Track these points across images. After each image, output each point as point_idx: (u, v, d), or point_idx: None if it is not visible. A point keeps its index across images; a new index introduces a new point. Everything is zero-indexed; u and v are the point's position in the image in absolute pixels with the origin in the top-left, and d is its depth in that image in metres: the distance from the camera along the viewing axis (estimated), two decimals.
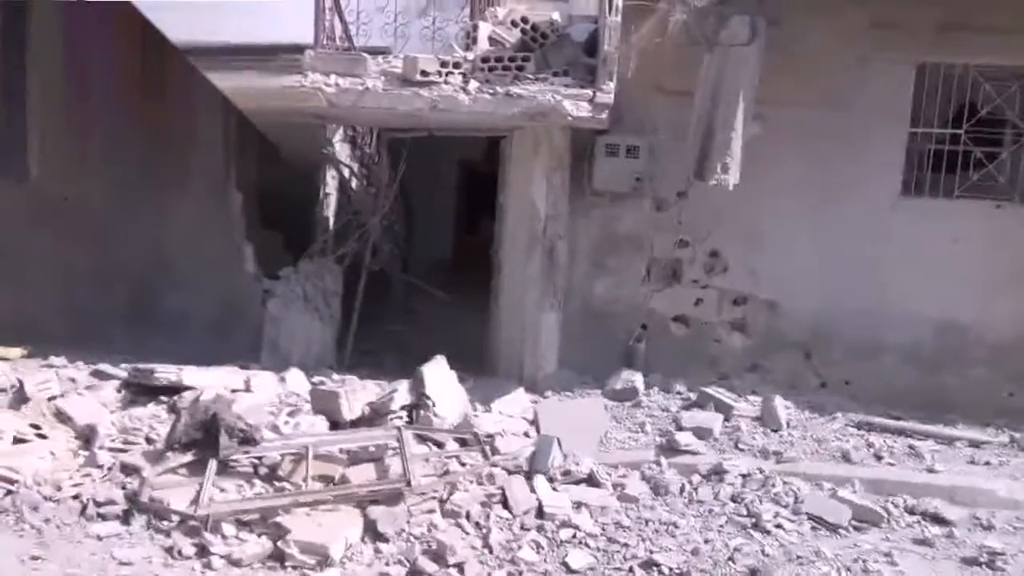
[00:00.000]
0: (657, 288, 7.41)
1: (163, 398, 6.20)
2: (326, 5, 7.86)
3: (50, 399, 6.06)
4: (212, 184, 7.66)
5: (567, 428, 6.08)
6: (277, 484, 5.20)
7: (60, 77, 7.59)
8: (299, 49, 6.71)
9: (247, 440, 5.33)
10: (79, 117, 7.54)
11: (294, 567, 4.38)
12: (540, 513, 5.07)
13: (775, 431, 6.37)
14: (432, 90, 6.60)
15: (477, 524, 4.87)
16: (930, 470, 5.93)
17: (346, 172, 8.82)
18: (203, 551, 4.47)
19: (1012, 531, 5.39)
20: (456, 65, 6.73)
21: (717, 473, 5.73)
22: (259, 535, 4.66)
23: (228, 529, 4.66)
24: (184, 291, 7.75)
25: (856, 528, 5.31)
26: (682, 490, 5.61)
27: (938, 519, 5.45)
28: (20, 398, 6.04)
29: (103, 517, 4.79)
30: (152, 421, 5.90)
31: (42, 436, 5.64)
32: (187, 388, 6.20)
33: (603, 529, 4.97)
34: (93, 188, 7.67)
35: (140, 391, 6.35)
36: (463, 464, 5.49)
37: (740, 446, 6.11)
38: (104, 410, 6.03)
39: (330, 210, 8.84)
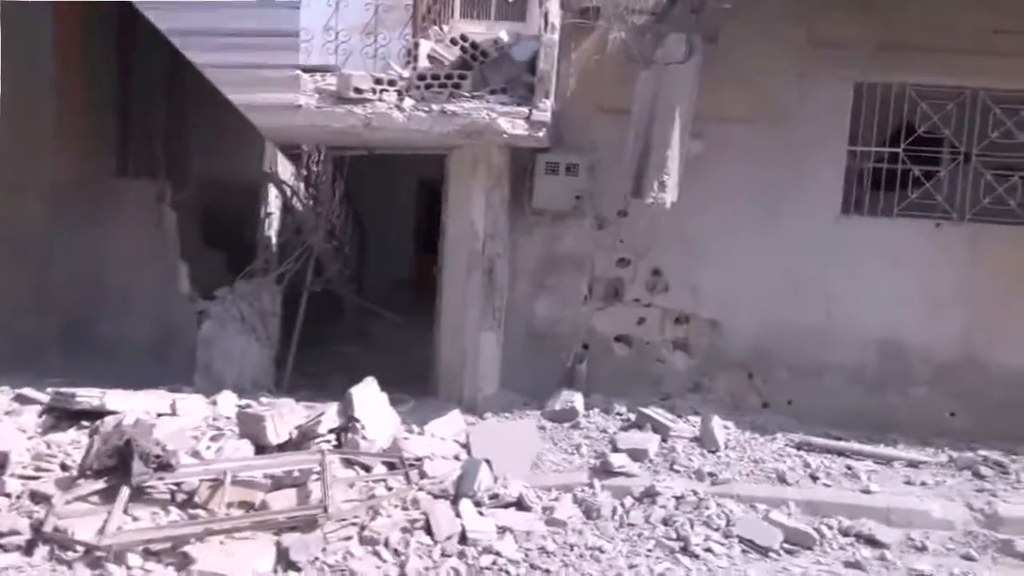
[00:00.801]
0: (599, 307, 7.33)
1: (85, 423, 6.00)
2: None
3: None
4: (147, 204, 7.49)
5: (500, 451, 5.96)
6: (192, 511, 5.03)
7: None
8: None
9: (163, 466, 5.16)
10: (14, 141, 7.36)
11: None
12: (463, 539, 4.94)
13: (713, 452, 6.28)
14: (366, 107, 6.52)
15: (396, 551, 4.74)
16: (865, 491, 5.85)
17: (288, 191, 8.68)
18: None
19: (945, 552, 5.33)
20: (391, 83, 6.66)
21: (650, 496, 5.62)
22: (166, 565, 4.48)
23: (134, 560, 4.51)
24: (120, 313, 7.63)
25: (788, 551, 5.21)
26: (614, 513, 5.50)
27: (872, 541, 5.36)
28: None
29: (4, 548, 4.61)
30: (70, 447, 5.70)
31: None
32: (110, 413, 6.01)
33: (526, 555, 4.85)
34: (28, 211, 7.48)
35: (63, 416, 6.15)
36: (389, 489, 5.35)
37: (676, 468, 6.01)
38: (20, 436, 5.83)
39: (272, 229, 8.71)
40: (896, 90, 7.03)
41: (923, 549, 5.34)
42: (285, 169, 8.62)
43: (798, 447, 6.54)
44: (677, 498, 5.63)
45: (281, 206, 8.82)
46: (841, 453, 6.48)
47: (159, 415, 6.11)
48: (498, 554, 4.77)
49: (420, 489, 5.39)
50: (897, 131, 7.17)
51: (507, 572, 4.66)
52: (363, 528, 4.90)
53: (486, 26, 8.78)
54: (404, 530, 4.94)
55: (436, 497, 5.33)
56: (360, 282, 12.13)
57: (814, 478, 6.02)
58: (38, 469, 5.42)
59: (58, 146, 7.41)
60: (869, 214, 7.16)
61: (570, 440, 6.42)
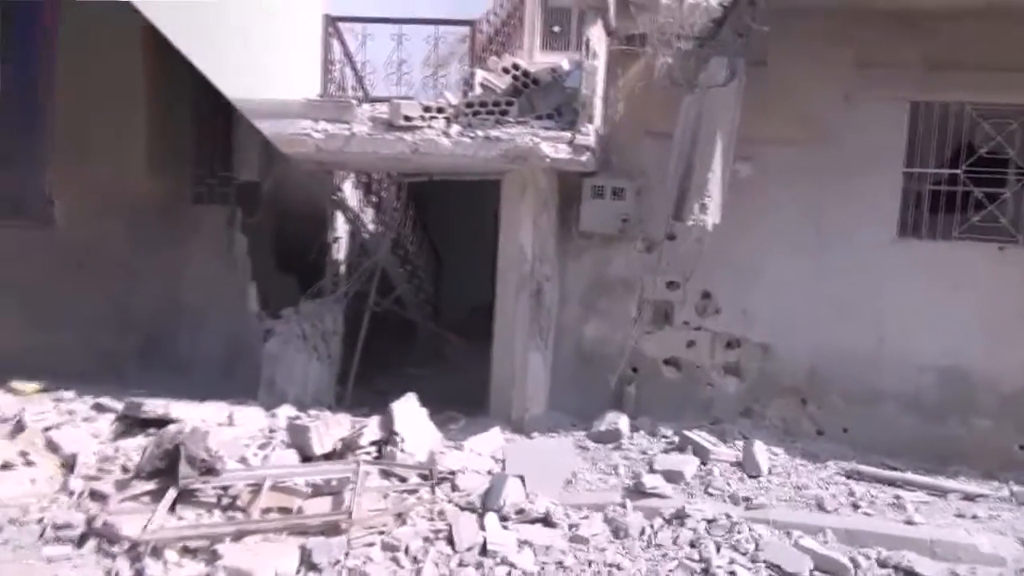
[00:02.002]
0: (648, 330, 7.36)
1: (151, 431, 6.42)
2: (335, 58, 8.24)
3: (45, 429, 6.37)
4: (219, 228, 7.98)
5: (534, 468, 6.04)
6: (233, 514, 5.32)
7: (83, 133, 8.09)
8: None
9: (209, 470, 5.49)
10: (99, 169, 8.01)
11: None
12: (484, 551, 5.04)
13: (754, 477, 6.18)
14: (415, 134, 6.79)
15: (415, 558, 4.88)
16: (909, 522, 5.64)
17: (353, 216, 9.06)
18: (139, 575, 4.60)
19: None
20: (440, 110, 6.92)
21: (679, 518, 5.58)
22: (199, 562, 4.76)
23: (171, 555, 4.79)
24: (194, 331, 8.10)
25: None
26: (642, 533, 5.48)
27: (911, 573, 5.17)
28: (18, 428, 6.37)
29: (59, 540, 4.99)
30: (133, 452, 6.11)
31: (30, 463, 5.92)
32: (174, 421, 6.41)
33: (542, 568, 4.90)
34: (111, 234, 8.09)
35: (133, 424, 6.59)
36: (419, 499, 5.51)
37: (711, 491, 5.94)
38: (92, 440, 6.30)
39: (341, 254, 9.09)
40: (954, 109, 6.84)
41: None
42: (354, 196, 8.98)
43: (848, 475, 6.37)
44: (708, 521, 5.56)
45: (349, 231, 9.19)
46: (893, 483, 6.27)
47: (218, 425, 6.48)
48: (513, 566, 4.85)
49: (449, 501, 5.53)
50: (956, 152, 6.96)
51: None
52: (387, 535, 5.06)
53: (554, 56, 8.98)
54: (426, 539, 5.08)
55: (463, 509, 5.46)
56: (436, 307, 12.42)
57: (856, 507, 5.85)
58: (100, 470, 5.84)
59: (143, 174, 7.99)
60: (927, 237, 6.95)
61: (609, 461, 6.44)
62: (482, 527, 5.27)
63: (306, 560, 4.77)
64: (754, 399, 7.23)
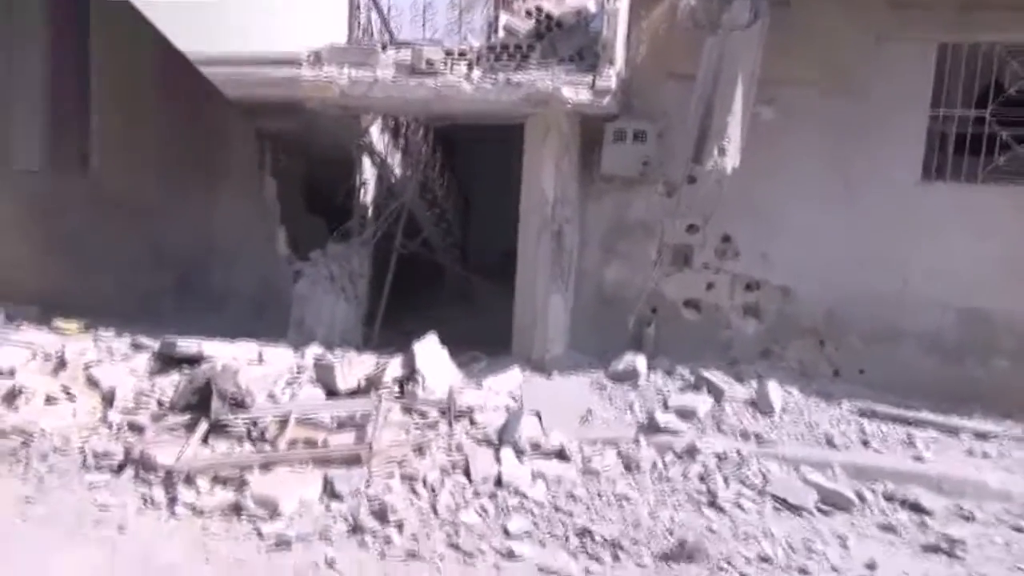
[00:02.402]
0: (668, 273, 7.43)
1: (185, 368, 6.71)
2: (361, 3, 8.30)
3: (86, 366, 6.69)
4: (249, 173, 8.17)
5: (550, 405, 6.23)
6: (261, 446, 5.59)
7: (116, 78, 8.28)
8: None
9: (239, 405, 5.76)
10: (132, 114, 8.21)
11: (248, 518, 4.74)
12: (499, 482, 5.25)
13: (767, 415, 6.31)
14: (437, 79, 6.87)
15: (432, 488, 5.11)
16: (917, 458, 5.75)
17: (379, 160, 9.18)
18: (173, 500, 4.89)
19: (995, 523, 5.20)
20: (462, 54, 6.97)
21: (690, 452, 5.75)
22: (227, 489, 5.04)
23: (203, 483, 5.07)
24: (227, 271, 8.35)
25: (823, 511, 5.25)
26: (653, 467, 5.67)
27: (916, 507, 5.31)
28: (60, 364, 6.70)
29: (99, 468, 5.31)
30: (169, 388, 6.41)
31: (71, 397, 6.25)
32: (206, 359, 6.69)
33: (553, 499, 5.11)
34: (146, 178, 8.34)
35: (168, 361, 6.88)
36: (438, 434, 5.73)
37: (723, 428, 6.10)
38: (131, 377, 6.60)
39: (368, 197, 9.25)
40: (984, 50, 6.72)
41: (970, 519, 5.23)
42: (381, 140, 9.09)
43: (861, 414, 6.47)
44: (719, 456, 5.73)
45: (376, 175, 9.32)
46: (906, 422, 6.36)
47: (249, 362, 6.74)
48: (525, 496, 5.06)
49: (467, 436, 5.75)
50: (985, 93, 6.85)
51: (532, 512, 4.94)
52: (406, 467, 5.29)
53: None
54: (444, 471, 5.30)
55: (480, 443, 5.67)
56: (465, 251, 12.59)
57: (866, 444, 5.98)
58: (137, 404, 6.15)
59: (169, 119, 8.19)
60: (952, 179, 6.88)
61: (625, 399, 6.60)
62: (498, 460, 5.48)
63: (329, 489, 5.02)
64: (773, 340, 7.29)
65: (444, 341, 7.95)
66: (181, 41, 7.00)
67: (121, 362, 6.89)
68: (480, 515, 4.88)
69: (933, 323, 6.97)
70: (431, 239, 10.66)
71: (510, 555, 4.47)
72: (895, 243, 6.98)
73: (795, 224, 7.14)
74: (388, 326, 8.91)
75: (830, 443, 5.94)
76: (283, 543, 4.46)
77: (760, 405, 6.40)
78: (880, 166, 6.95)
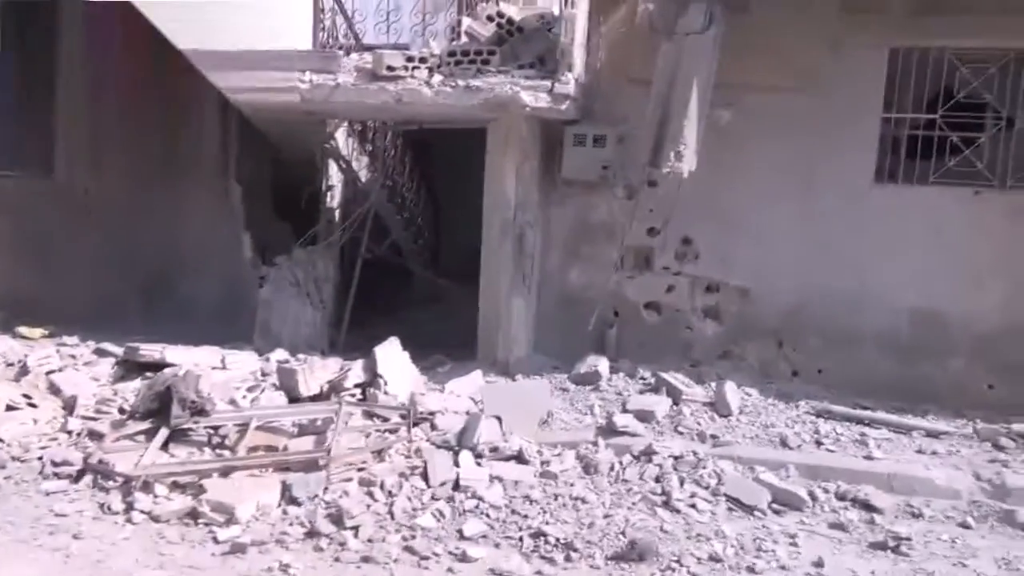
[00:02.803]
0: (630, 275, 7.53)
1: (148, 374, 6.71)
2: (326, 6, 8.32)
3: (48, 373, 6.68)
4: (215, 178, 8.19)
5: (511, 408, 6.27)
6: (222, 453, 5.62)
7: (82, 82, 8.27)
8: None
9: (199, 411, 5.77)
10: (97, 117, 8.20)
11: (205, 524, 4.77)
12: (456, 486, 5.30)
13: (724, 416, 6.41)
14: (398, 84, 6.91)
15: (389, 492, 5.15)
16: (868, 457, 5.87)
17: (344, 164, 9.22)
18: (130, 507, 4.91)
19: (942, 520, 5.31)
20: (423, 60, 7.02)
21: (647, 454, 5.82)
22: (186, 496, 5.06)
23: (160, 490, 5.09)
24: (193, 277, 8.38)
25: (775, 511, 5.33)
26: (611, 469, 5.73)
27: (867, 506, 5.39)
28: (22, 371, 6.69)
29: (57, 476, 5.31)
30: (131, 394, 6.41)
31: (32, 405, 6.25)
32: (170, 365, 6.70)
33: (510, 501, 5.16)
34: (111, 182, 8.34)
35: (131, 368, 6.89)
36: (397, 438, 5.78)
37: (680, 429, 6.19)
38: (92, 383, 6.61)
39: (335, 201, 9.28)
40: (934, 55, 6.85)
41: (919, 516, 5.33)
42: (347, 145, 9.13)
43: (817, 414, 6.59)
44: (675, 458, 5.80)
45: (344, 179, 9.36)
46: (860, 422, 6.49)
47: (212, 368, 6.76)
48: (481, 499, 5.11)
49: (427, 440, 5.80)
50: (935, 97, 6.99)
51: (487, 515, 4.98)
52: (362, 471, 5.34)
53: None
54: (402, 475, 5.34)
55: (439, 447, 5.72)
56: (436, 253, 12.63)
57: (819, 443, 6.08)
58: (99, 411, 6.15)
59: (134, 127, 8.19)
60: (904, 182, 7.03)
61: (586, 401, 6.68)
62: (456, 464, 5.52)
63: (287, 494, 5.06)
64: (732, 341, 7.41)
65: (412, 344, 7.98)
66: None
67: (84, 369, 6.90)
68: (436, 518, 4.93)
69: (889, 323, 7.11)
70: (400, 243, 10.70)
71: (464, 557, 4.52)
72: (851, 244, 7.11)
73: (755, 226, 7.25)
74: (357, 330, 8.95)
75: (784, 444, 6.04)
76: (238, 548, 4.49)
77: (718, 406, 6.49)
78: (837, 168, 7.08)
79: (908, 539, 4.89)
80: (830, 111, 7.02)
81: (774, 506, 5.37)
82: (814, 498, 5.45)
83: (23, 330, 7.82)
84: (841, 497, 5.51)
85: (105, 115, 8.23)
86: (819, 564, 4.66)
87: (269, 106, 7.36)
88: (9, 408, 6.16)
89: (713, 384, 6.84)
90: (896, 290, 7.07)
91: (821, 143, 7.07)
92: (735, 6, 6.88)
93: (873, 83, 6.96)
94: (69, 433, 5.87)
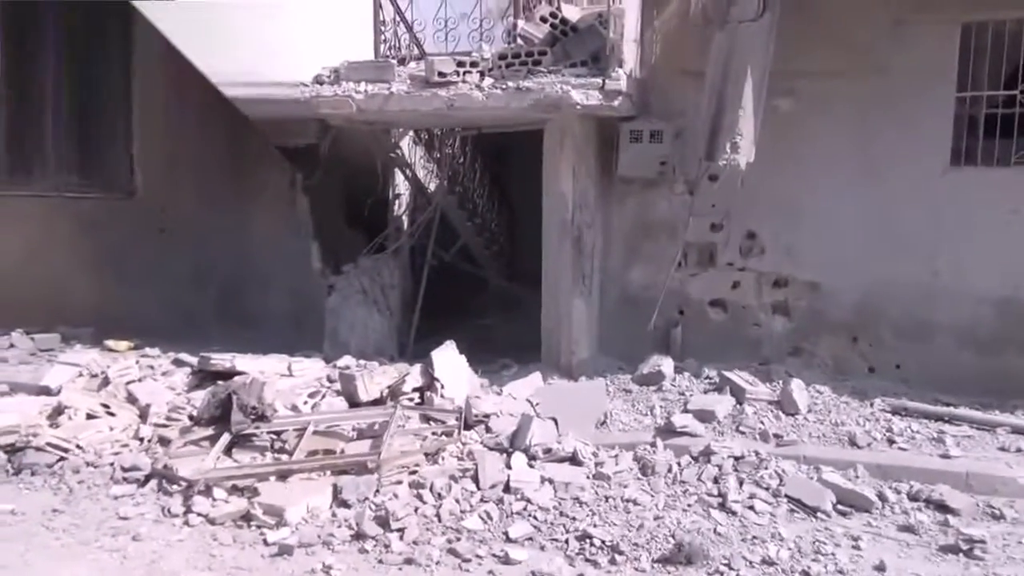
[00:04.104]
0: (693, 272, 7.35)
1: (220, 382, 6.94)
2: (387, 18, 8.47)
3: (128, 383, 6.99)
4: (284, 191, 8.42)
5: (569, 410, 6.23)
6: (282, 456, 5.75)
7: (157, 107, 8.65)
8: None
9: (259, 417, 5.93)
10: (172, 139, 8.55)
11: (257, 526, 4.88)
12: (507, 488, 5.27)
13: (791, 415, 6.18)
14: (449, 89, 6.95)
15: (438, 495, 5.16)
16: (944, 456, 5.55)
17: (419, 173, 9.33)
18: (189, 511, 5.07)
19: None
20: (473, 64, 7.04)
21: (706, 455, 5.67)
22: (243, 499, 5.20)
23: (219, 493, 5.24)
24: (265, 288, 8.62)
25: (841, 513, 5.11)
26: (669, 470, 5.61)
27: (942, 507, 5.11)
28: (104, 382, 7.01)
29: (126, 481, 5.54)
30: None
31: (111, 414, 6.54)
32: (240, 373, 6.91)
33: (559, 503, 5.10)
34: (186, 199, 8.68)
35: (205, 377, 7.14)
36: (450, 440, 5.80)
37: (741, 429, 6.00)
38: (167, 392, 6.87)
39: (402, 209, 9.41)
40: (1011, 28, 6.45)
41: (999, 517, 5.02)
42: (414, 153, 9.25)
43: (893, 412, 6.28)
44: (735, 458, 5.63)
45: (411, 187, 9.47)
46: (939, 418, 6.15)
47: (279, 375, 6.94)
48: (530, 501, 5.07)
49: (480, 442, 5.80)
50: (1014, 72, 6.58)
51: (535, 517, 4.94)
52: (416, 475, 5.37)
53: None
54: (452, 477, 5.35)
55: (491, 449, 5.70)
56: (511, 258, 12.64)
57: (891, 442, 5.80)
58: (169, 419, 6.39)
59: (205, 147, 8.51)
60: (983, 164, 6.63)
61: (648, 402, 6.55)
62: (508, 466, 5.50)
63: (337, 497, 5.13)
64: (803, 337, 7.13)
65: (484, 349, 8.06)
66: (208, 65, 7.29)
67: (162, 379, 7.18)
68: (484, 520, 4.91)
69: (970, 314, 6.72)
70: (472, 248, 10.75)
71: (506, 560, 4.49)
72: (926, 232, 6.76)
73: (822, 217, 6.98)
74: (431, 335, 9.03)
75: (853, 442, 5.78)
76: (285, 550, 4.57)
77: (784, 405, 6.26)
78: (907, 153, 6.74)
79: (983, 542, 4.60)
80: (898, 93, 6.69)
81: (839, 507, 5.15)
82: (883, 499, 5.20)
83: (111, 343, 8.20)
84: (913, 498, 5.25)
85: (179, 136, 8.57)
86: (881, 568, 4.44)
87: (327, 119, 7.51)
88: (89, 417, 6.46)
89: (780, 382, 6.60)
90: (977, 278, 6.66)
91: (889, 127, 6.75)
92: None
93: (944, 61, 6.59)
94: (141, 440, 6.12)
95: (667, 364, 6.95)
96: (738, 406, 6.29)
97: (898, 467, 5.50)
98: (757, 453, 5.67)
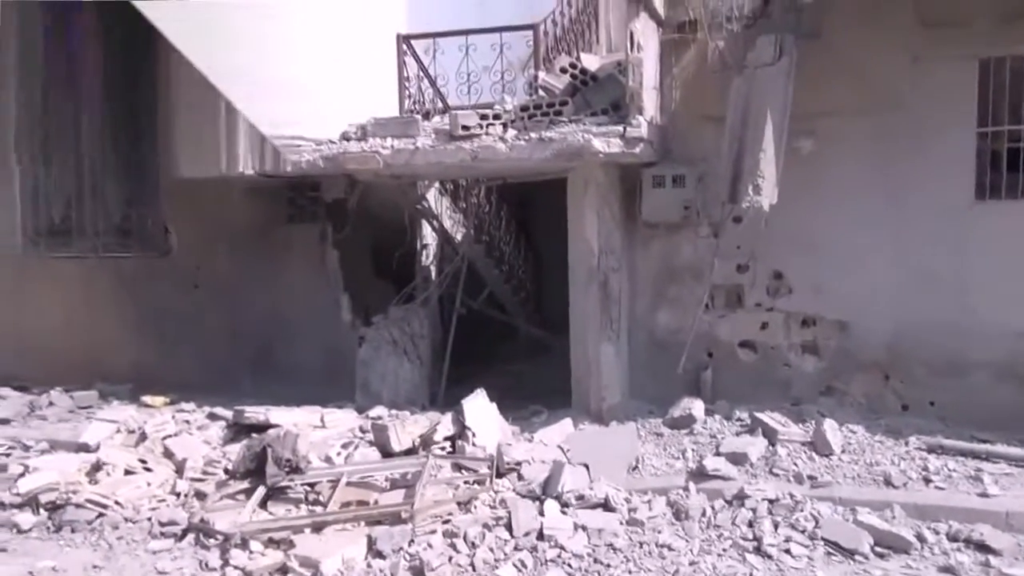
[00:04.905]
0: (721, 314, 7.36)
1: (255, 435, 7.03)
2: (410, 74, 8.68)
3: (164, 438, 7.10)
4: (314, 246, 8.59)
5: (600, 455, 6.23)
6: (316, 508, 5.79)
7: None
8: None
9: (294, 469, 6.00)
10: (206, 200, 8.76)
11: None
12: (541, 535, 5.27)
13: (824, 455, 6.13)
14: (474, 142, 7.09)
15: (472, 543, 5.17)
16: (983, 494, 5.47)
17: (446, 223, 9.46)
18: (226, 564, 5.12)
19: None
20: (496, 116, 7.18)
21: (739, 498, 5.64)
22: (280, 552, 5.24)
23: (256, 546, 5.29)
24: (296, 341, 8.75)
25: (879, 555, 5.04)
26: (703, 515, 5.58)
27: (982, 547, 5.04)
28: (141, 437, 7.13)
29: (164, 535, 5.61)
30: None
31: (148, 469, 6.64)
32: (273, 426, 6.99)
33: (593, 550, 5.09)
34: (220, 258, 8.88)
35: (240, 430, 7.24)
36: (483, 489, 5.81)
37: (775, 471, 5.96)
38: (203, 446, 6.97)
39: (430, 260, 9.53)
40: None
41: None
42: (440, 203, 9.39)
43: (929, 450, 6.21)
44: (770, 501, 5.59)
45: (438, 237, 9.61)
46: (976, 456, 6.06)
47: (312, 427, 7.02)
48: (564, 548, 5.06)
49: (512, 490, 5.81)
50: None
51: (569, 564, 4.93)
52: (450, 524, 5.38)
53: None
54: (486, 526, 5.36)
55: (523, 497, 5.71)
56: (538, 304, 12.70)
57: (927, 481, 5.72)
58: (205, 473, 6.48)
59: (241, 202, 8.72)
60: (1008, 197, 6.62)
61: (679, 446, 6.53)
62: (541, 513, 5.50)
63: (372, 548, 5.16)
64: (834, 376, 7.10)
65: (514, 395, 8.08)
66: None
67: (197, 433, 7.28)
68: (518, 569, 4.91)
69: (1004, 349, 6.66)
70: (500, 295, 10.82)
71: None
72: (953, 267, 6.75)
73: (848, 256, 6.99)
74: (461, 383, 9.09)
75: (889, 482, 5.71)
76: None
77: (817, 446, 6.22)
78: (931, 189, 6.77)
79: None
80: (919, 130, 6.73)
81: (877, 549, 5.09)
82: (922, 540, 5.14)
83: (147, 399, 8.34)
84: (953, 538, 5.18)
85: (211, 196, 8.74)
86: None
87: (357, 174, 7.69)
88: (127, 472, 6.57)
89: (813, 423, 6.56)
90: (1010, 312, 6.62)
91: (912, 164, 6.78)
92: (806, 34, 6.75)
93: (963, 97, 6.64)
94: (178, 494, 6.21)
95: (698, 407, 6.93)
96: (771, 448, 6.25)
97: (936, 507, 5.43)
98: (792, 495, 5.63)
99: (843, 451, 6.20)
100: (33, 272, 9.55)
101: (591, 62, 7.89)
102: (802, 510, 5.48)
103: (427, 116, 8.26)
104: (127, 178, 9.19)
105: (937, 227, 6.76)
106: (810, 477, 5.83)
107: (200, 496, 6.13)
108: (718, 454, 6.18)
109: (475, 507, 5.62)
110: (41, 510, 6.01)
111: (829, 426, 6.27)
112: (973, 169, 6.68)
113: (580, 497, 5.70)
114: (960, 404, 6.69)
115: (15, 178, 9.40)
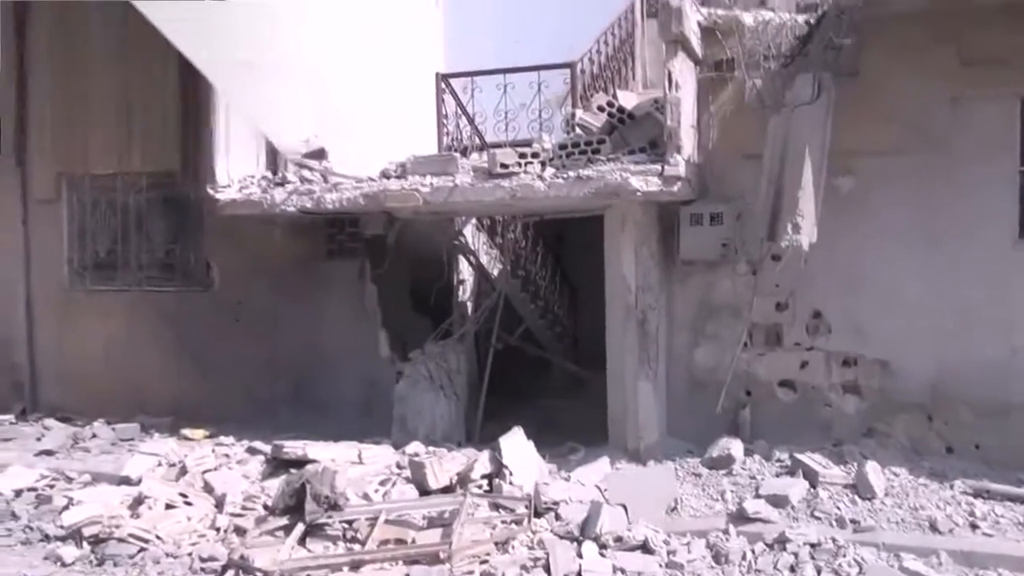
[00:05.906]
0: (760, 353, 7.31)
1: (293, 470, 7.08)
2: (448, 112, 8.82)
3: (204, 472, 7.18)
4: (351, 282, 8.69)
5: (638, 496, 6.19)
6: (353, 546, 5.81)
7: None
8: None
9: (332, 506, 6.02)
10: (246, 236, 8.91)
11: None
12: None
13: (867, 499, 6.03)
14: (512, 180, 7.15)
15: None
16: None
17: (483, 259, 9.53)
18: None
19: None
20: (535, 155, 7.25)
21: (781, 542, 5.56)
22: None
23: None
24: (335, 376, 8.80)
25: None
26: (743, 558, 5.51)
27: None
28: (181, 471, 7.22)
29: (204, 571, 5.65)
30: (276, 491, 6.78)
31: (188, 503, 6.71)
32: (312, 461, 7.04)
33: None
34: (259, 292, 9.00)
35: (279, 464, 7.29)
36: (521, 529, 5.80)
37: (816, 514, 5.87)
38: (242, 481, 7.03)
39: (467, 295, 9.59)
40: None
41: None
42: (477, 239, 9.48)
43: (975, 494, 6.08)
44: (812, 545, 5.51)
45: (476, 273, 9.68)
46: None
47: (350, 463, 7.06)
48: None
49: (550, 530, 5.78)
50: None
51: None
52: (487, 564, 5.37)
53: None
54: (524, 567, 5.34)
55: (561, 538, 5.69)
56: (575, 339, 12.69)
57: (974, 527, 5.61)
58: (245, 508, 6.53)
59: (283, 238, 8.86)
60: None
61: (718, 487, 6.46)
62: (579, 555, 5.47)
63: None
64: (876, 418, 7.00)
65: (550, 432, 8.07)
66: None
67: (237, 467, 7.35)
68: None
69: None
70: (536, 331, 10.84)
71: None
72: (998, 307, 6.67)
73: (888, 295, 6.92)
74: (497, 419, 9.10)
75: (934, 528, 5.60)
76: None
77: (859, 488, 6.12)
78: (973, 228, 6.70)
79: None
80: (960, 168, 6.69)
81: None
82: None
83: (187, 432, 8.44)
84: None
85: (252, 232, 8.87)
86: None
87: (396, 212, 7.79)
88: (168, 506, 6.64)
89: (854, 464, 6.46)
90: None
91: (953, 202, 6.73)
92: (845, 72, 6.76)
93: (1005, 135, 6.61)
94: (217, 530, 6.26)
95: (737, 447, 6.87)
96: (812, 490, 6.16)
97: (984, 554, 5.32)
98: (834, 540, 5.54)
99: (886, 494, 6.10)
100: (78, 305, 9.76)
101: (628, 99, 7.97)
102: (845, 555, 5.39)
103: (465, 153, 8.38)
104: (170, 214, 9.41)
105: (980, 266, 6.68)
106: (852, 521, 5.74)
107: (239, 531, 6.17)
108: (758, 496, 6.11)
109: (513, 547, 5.61)
110: (84, 543, 6.08)
111: (871, 468, 6.18)
112: (1016, 208, 6.62)
113: (618, 539, 5.66)
114: (1006, 446, 6.57)
115: (63, 212, 9.73)
